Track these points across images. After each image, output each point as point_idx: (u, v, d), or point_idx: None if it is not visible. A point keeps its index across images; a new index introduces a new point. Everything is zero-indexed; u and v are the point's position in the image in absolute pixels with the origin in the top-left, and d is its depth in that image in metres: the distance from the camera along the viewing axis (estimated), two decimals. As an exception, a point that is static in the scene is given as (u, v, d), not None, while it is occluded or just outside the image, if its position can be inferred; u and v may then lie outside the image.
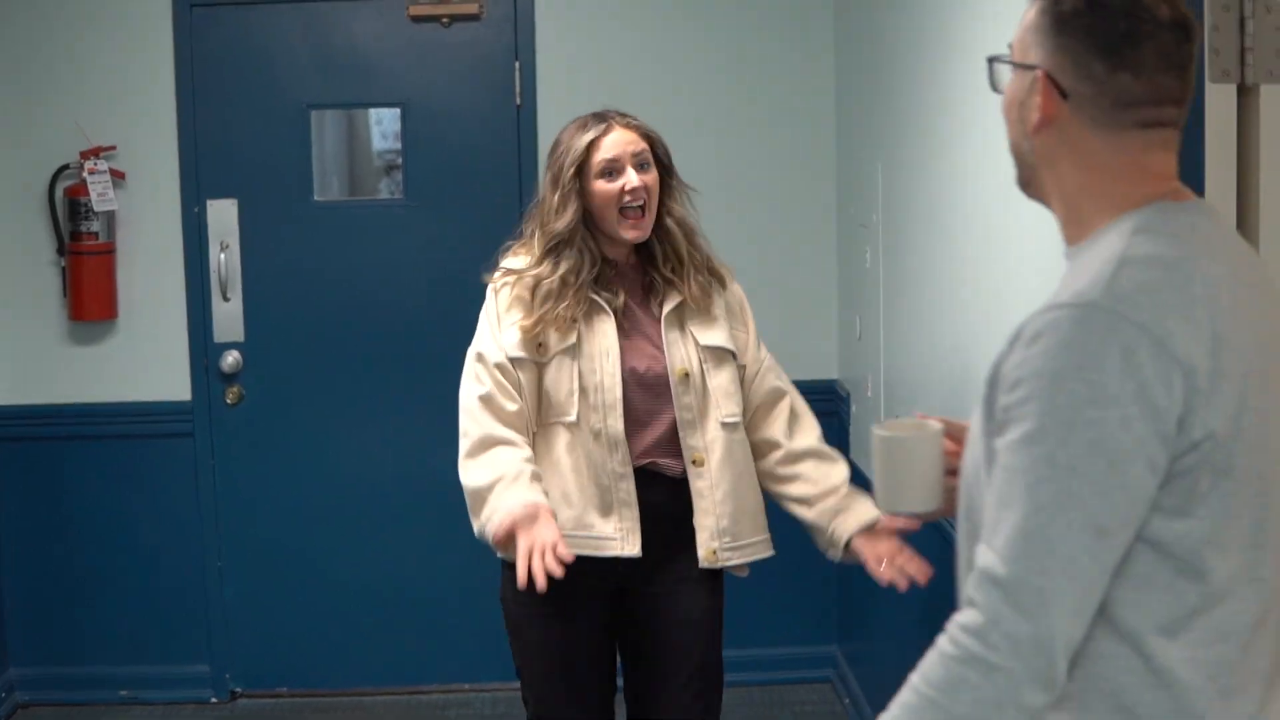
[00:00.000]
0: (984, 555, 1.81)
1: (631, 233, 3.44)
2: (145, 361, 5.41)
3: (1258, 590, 1.83)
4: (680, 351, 3.47)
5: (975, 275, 3.59)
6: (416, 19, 5.37)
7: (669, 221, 3.51)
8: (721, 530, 3.46)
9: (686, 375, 3.45)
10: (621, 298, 3.48)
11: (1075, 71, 1.89)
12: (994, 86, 2.03)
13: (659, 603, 3.53)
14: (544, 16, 5.37)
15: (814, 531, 3.50)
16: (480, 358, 3.45)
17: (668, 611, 3.52)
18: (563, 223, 3.42)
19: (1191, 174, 2.51)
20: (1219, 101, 2.49)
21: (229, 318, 5.41)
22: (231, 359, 5.40)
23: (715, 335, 3.51)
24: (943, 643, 1.82)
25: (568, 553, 3.20)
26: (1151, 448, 1.75)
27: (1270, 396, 1.84)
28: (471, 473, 3.37)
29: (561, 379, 3.42)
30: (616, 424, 3.41)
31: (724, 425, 3.48)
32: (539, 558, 3.17)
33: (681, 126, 5.21)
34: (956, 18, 3.68)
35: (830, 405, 5.16)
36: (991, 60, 2.03)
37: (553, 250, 3.44)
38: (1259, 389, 1.82)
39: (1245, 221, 2.54)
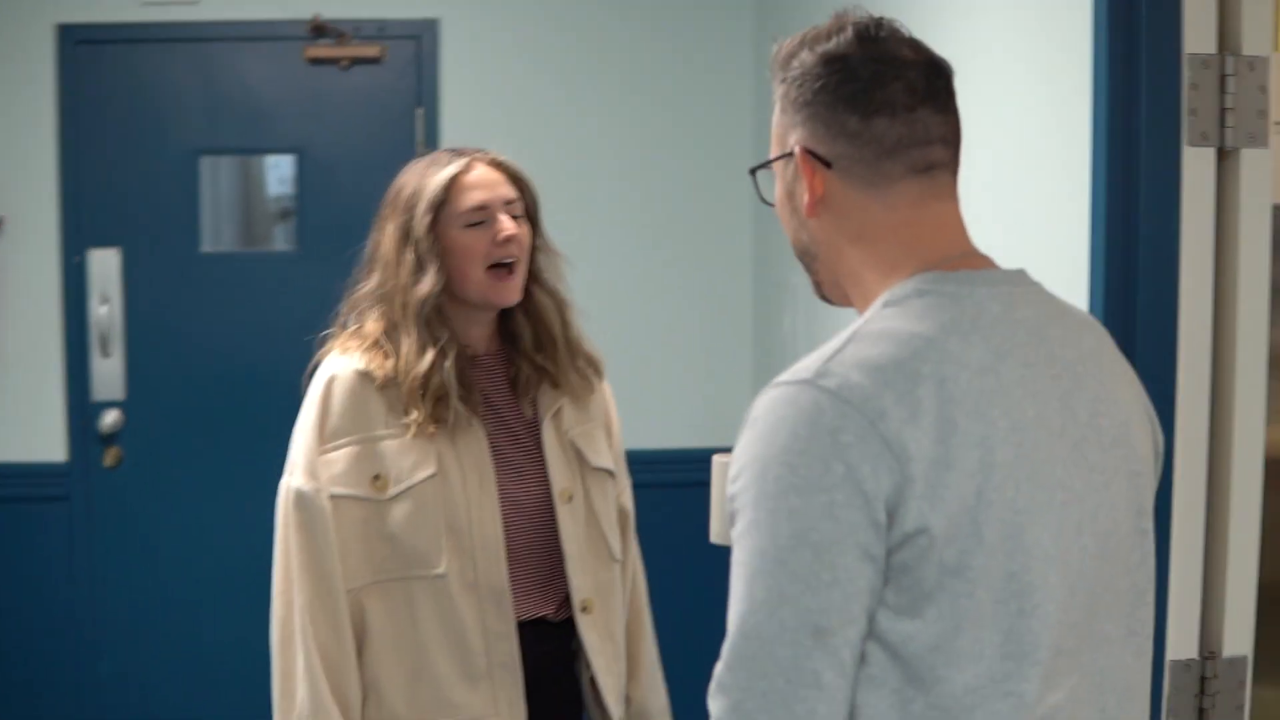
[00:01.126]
0: (720, 660, 1.65)
1: (504, 293, 2.66)
2: (19, 419, 5.16)
3: (1014, 707, 1.60)
4: (562, 468, 2.73)
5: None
6: (314, 61, 5.15)
7: (538, 292, 2.74)
8: (623, 694, 2.85)
9: (570, 498, 2.72)
10: (480, 398, 2.69)
11: (830, 133, 1.73)
12: (763, 198, 1.87)
13: None
14: (449, 61, 5.19)
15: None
16: (300, 501, 2.62)
17: None
18: (427, 287, 2.61)
19: (1166, 243, 2.34)
20: (1196, 166, 2.31)
21: (109, 374, 5.16)
22: (111, 418, 5.14)
23: (602, 454, 2.80)
24: None
25: None
26: (864, 535, 1.57)
27: (1038, 492, 1.63)
28: None
29: (424, 522, 2.60)
30: (498, 573, 2.63)
31: (616, 562, 2.82)
32: None
33: (592, 176, 5.15)
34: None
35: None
36: (753, 171, 1.88)
37: (423, 330, 2.63)
38: (1017, 483, 1.61)
39: (1223, 292, 2.36)
